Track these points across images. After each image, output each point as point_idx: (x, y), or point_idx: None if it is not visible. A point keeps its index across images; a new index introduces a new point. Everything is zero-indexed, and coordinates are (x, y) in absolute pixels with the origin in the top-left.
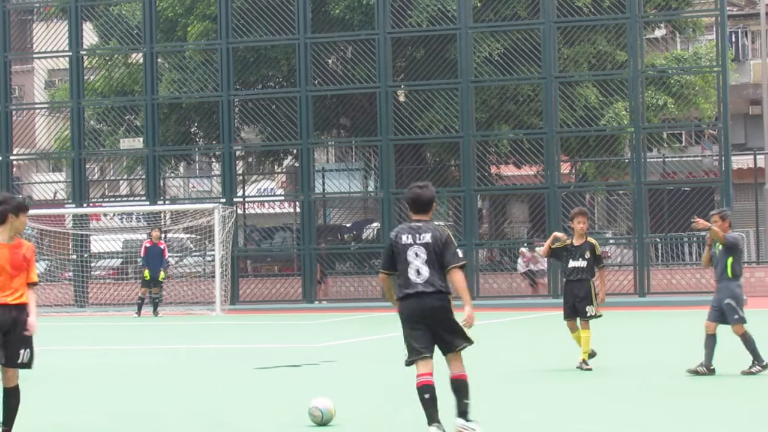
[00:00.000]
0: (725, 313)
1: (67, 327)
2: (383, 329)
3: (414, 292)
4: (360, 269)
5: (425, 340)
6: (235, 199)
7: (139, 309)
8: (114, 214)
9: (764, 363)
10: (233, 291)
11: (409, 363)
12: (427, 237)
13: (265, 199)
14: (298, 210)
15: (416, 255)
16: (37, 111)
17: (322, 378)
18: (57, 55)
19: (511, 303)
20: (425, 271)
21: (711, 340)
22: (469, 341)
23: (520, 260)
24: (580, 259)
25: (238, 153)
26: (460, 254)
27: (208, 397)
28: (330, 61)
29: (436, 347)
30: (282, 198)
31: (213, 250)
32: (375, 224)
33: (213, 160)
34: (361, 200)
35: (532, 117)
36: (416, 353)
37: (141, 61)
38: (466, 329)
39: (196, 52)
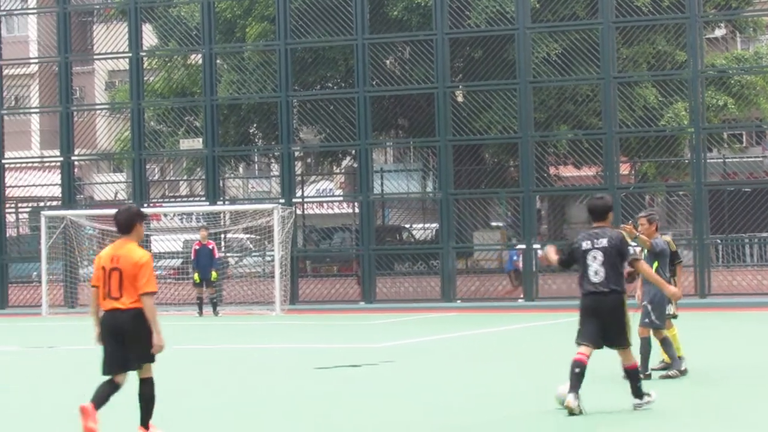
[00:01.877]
0: (644, 313)
1: None
2: (441, 329)
3: (593, 291)
4: (418, 270)
5: (594, 333)
6: (294, 200)
7: (200, 308)
8: (174, 215)
9: (648, 372)
10: (293, 291)
11: (577, 343)
12: (603, 242)
13: (323, 199)
14: (356, 210)
15: (594, 258)
16: (98, 112)
17: (380, 378)
18: (117, 56)
19: (571, 304)
20: (602, 272)
21: (645, 345)
22: (629, 344)
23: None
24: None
25: (296, 154)
26: (631, 251)
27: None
28: (388, 61)
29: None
30: (341, 198)
31: (272, 250)
32: (434, 225)
33: (272, 160)
34: (420, 201)
35: (591, 117)
36: (582, 339)
37: (200, 62)
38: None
39: (255, 53)
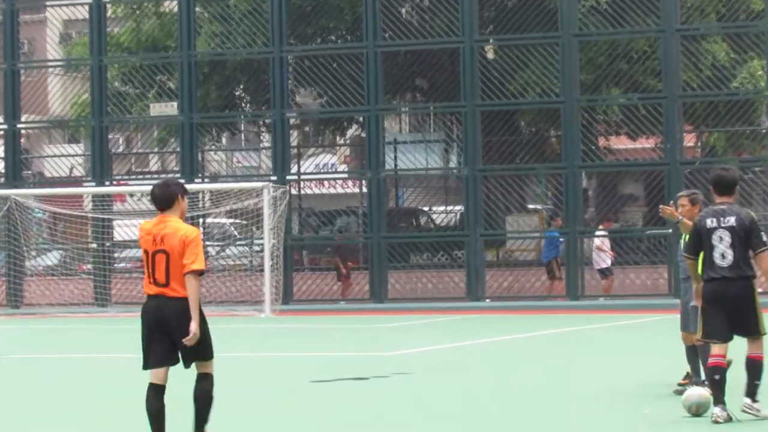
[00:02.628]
0: (689, 317)
1: (84, 331)
2: (466, 335)
3: (719, 276)
4: (438, 262)
5: (722, 326)
6: (288, 177)
7: None
8: (142, 195)
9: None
10: (286, 288)
11: (703, 341)
12: (731, 220)
13: (324, 176)
14: (364, 190)
15: (720, 239)
16: (50, 70)
17: (392, 394)
18: (74, 2)
19: (629, 304)
20: (729, 255)
21: (692, 352)
22: (763, 332)
23: (597, 253)
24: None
25: (292, 121)
26: (764, 238)
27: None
28: (404, 10)
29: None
30: (345, 176)
31: (261, 238)
32: (458, 207)
33: (262, 129)
34: (441, 178)
35: (649, 78)
36: (711, 336)
37: (175, 9)
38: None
39: None
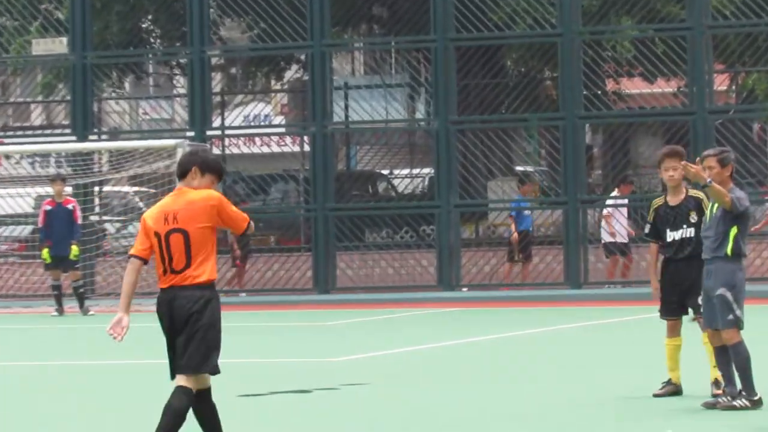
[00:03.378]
0: (714, 309)
1: None
2: (437, 334)
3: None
4: (401, 241)
5: None
6: (209, 133)
7: (59, 303)
8: (22, 156)
9: (756, 397)
10: None
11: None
12: None
13: (255, 131)
14: (306, 149)
15: None
16: None
17: (341, 410)
18: None
19: (644, 294)
20: None
21: (720, 353)
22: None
23: (604, 224)
24: (684, 226)
25: (214, 61)
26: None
27: None
28: None
29: None
30: (282, 131)
31: None
32: (427, 170)
33: (176, 72)
34: (405, 133)
35: (669, 4)
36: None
37: None
38: None
39: None
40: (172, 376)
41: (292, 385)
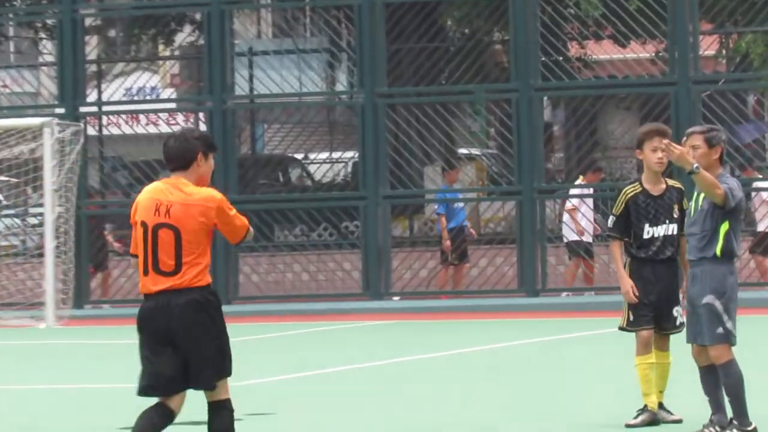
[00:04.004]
0: (700, 321)
1: None
2: (358, 353)
3: None
4: (319, 240)
5: None
6: (83, 109)
7: None
8: None
9: (750, 427)
10: (79, 283)
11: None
12: None
13: (140, 108)
14: (202, 128)
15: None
16: None
17: None
18: None
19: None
20: None
21: (706, 373)
22: None
23: (568, 220)
24: (667, 222)
25: (89, 22)
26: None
27: None
28: None
29: None
30: (172, 106)
31: (41, 204)
32: (350, 154)
33: (42, 36)
34: (323, 108)
35: None
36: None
37: None
38: None
39: None
40: (142, 391)
41: (183, 416)
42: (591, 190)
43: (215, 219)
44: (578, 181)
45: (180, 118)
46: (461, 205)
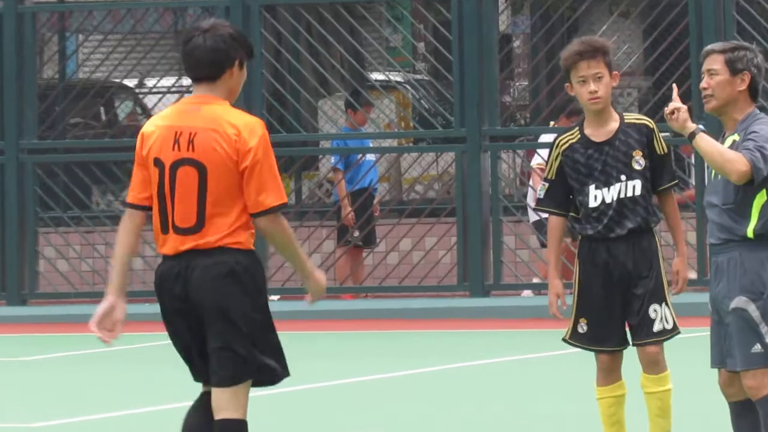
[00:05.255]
0: (730, 335)
1: None
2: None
3: None
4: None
5: None
6: None
7: None
8: None
9: None
10: None
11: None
12: None
13: None
14: None
15: None
16: None
17: None
18: None
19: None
20: None
21: (740, 412)
22: None
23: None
24: (623, 178)
25: None
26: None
27: None
28: None
29: None
30: None
31: None
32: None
33: None
34: (167, 11)
35: None
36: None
37: None
38: None
39: None
40: (199, 379)
41: None
42: None
43: (247, 157)
44: (552, 125)
45: None
46: (372, 157)
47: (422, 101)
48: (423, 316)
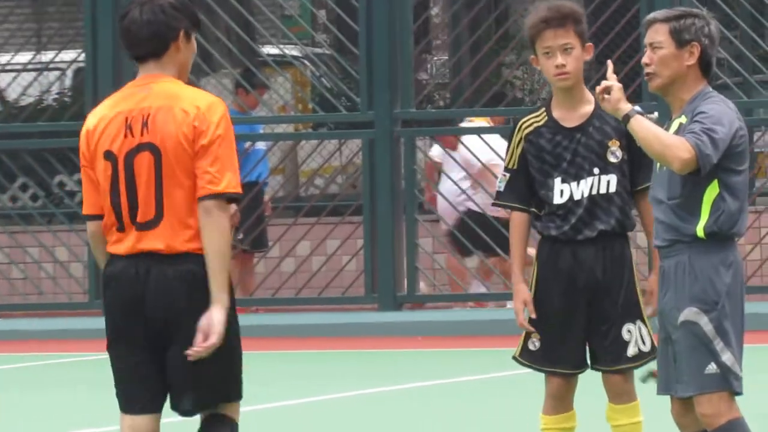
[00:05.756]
0: (679, 354)
1: None
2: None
3: None
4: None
5: None
6: None
7: None
8: None
9: None
10: None
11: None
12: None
13: None
14: None
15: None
16: None
17: None
18: None
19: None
20: None
21: None
22: None
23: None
24: (596, 171)
25: None
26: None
27: None
28: None
29: None
30: None
31: None
32: (71, 55)
33: None
34: None
35: None
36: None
37: None
38: None
39: None
40: (122, 408)
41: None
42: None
43: (203, 136)
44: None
45: None
46: (263, 146)
47: (323, 79)
48: (323, 334)
